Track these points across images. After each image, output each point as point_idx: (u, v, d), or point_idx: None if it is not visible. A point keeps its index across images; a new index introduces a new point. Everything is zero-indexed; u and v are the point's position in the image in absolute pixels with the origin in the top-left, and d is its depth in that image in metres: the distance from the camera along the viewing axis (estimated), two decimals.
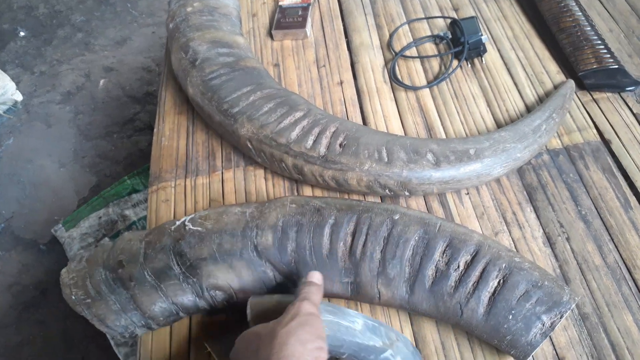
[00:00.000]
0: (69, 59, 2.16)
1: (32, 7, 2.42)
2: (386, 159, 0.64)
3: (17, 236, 1.66)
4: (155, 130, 0.83)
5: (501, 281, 0.53)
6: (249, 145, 0.70)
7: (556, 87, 0.76)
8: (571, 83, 0.75)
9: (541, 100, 0.75)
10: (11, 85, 1.97)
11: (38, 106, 1.99)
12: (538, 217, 0.65)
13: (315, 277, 0.54)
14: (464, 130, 0.74)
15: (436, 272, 0.55)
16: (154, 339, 0.63)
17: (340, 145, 0.66)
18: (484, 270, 0.54)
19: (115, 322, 0.59)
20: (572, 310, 0.56)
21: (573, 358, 0.55)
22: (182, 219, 0.62)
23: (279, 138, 0.67)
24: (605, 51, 0.75)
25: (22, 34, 2.31)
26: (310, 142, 0.66)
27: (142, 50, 2.11)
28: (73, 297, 0.59)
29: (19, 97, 1.99)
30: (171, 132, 0.82)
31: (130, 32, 2.22)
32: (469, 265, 0.55)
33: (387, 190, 0.65)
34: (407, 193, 0.65)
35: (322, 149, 0.66)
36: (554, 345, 0.56)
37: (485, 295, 0.53)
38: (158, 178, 0.77)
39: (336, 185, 0.66)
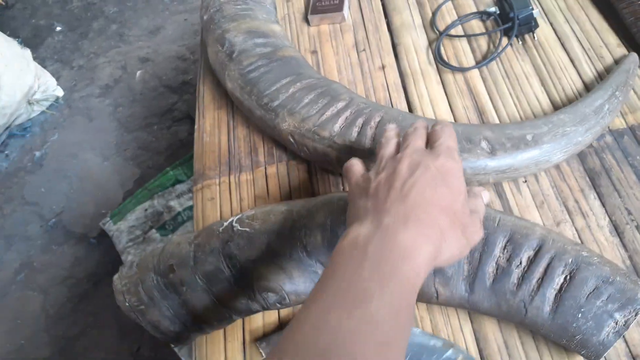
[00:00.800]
0: (105, 51, 2.18)
1: (66, 1, 2.45)
2: None
3: (68, 230, 1.71)
4: (196, 126, 0.82)
5: (568, 277, 0.50)
6: (291, 139, 0.68)
7: (617, 61, 0.71)
8: (634, 57, 0.69)
9: (601, 76, 0.70)
10: (52, 81, 2.01)
11: (79, 100, 2.03)
12: (603, 204, 0.60)
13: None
14: (518, 113, 0.70)
15: (497, 269, 0.52)
16: (208, 341, 0.62)
17: None
18: (548, 265, 0.51)
19: (169, 327, 0.59)
20: None
21: None
22: (230, 220, 0.61)
23: (321, 131, 0.65)
24: None
25: (58, 28, 2.35)
26: (354, 134, 0.64)
27: (175, 39, 2.11)
28: (127, 304, 0.59)
29: (60, 92, 2.03)
30: (212, 128, 0.80)
31: (163, 20, 2.22)
32: (532, 261, 0.51)
33: None
34: None
35: (367, 141, 0.63)
36: (626, 343, 0.52)
37: (551, 292, 0.50)
38: (202, 176, 0.76)
39: None
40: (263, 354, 0.57)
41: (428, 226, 0.40)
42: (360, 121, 0.65)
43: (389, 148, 0.50)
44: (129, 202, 1.56)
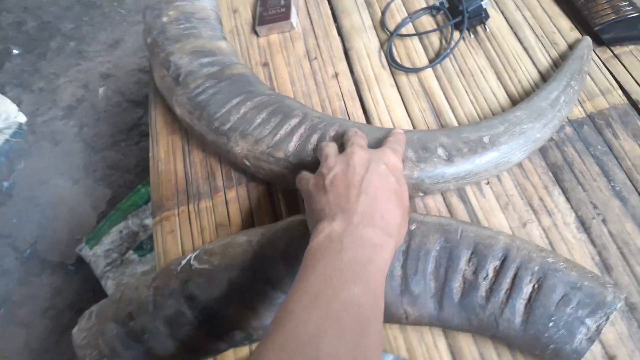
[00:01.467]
0: (65, 70, 2.12)
1: (20, 22, 2.38)
2: None
3: (44, 259, 1.67)
4: (150, 154, 0.79)
5: (536, 286, 0.49)
6: (247, 163, 0.66)
7: (571, 46, 0.69)
8: (587, 41, 0.67)
9: (556, 64, 0.68)
10: (13, 107, 1.95)
11: (42, 125, 1.98)
12: (568, 199, 0.59)
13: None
14: (475, 110, 0.68)
15: (464, 283, 0.51)
16: None
17: None
18: (515, 275, 0.49)
19: None
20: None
21: (624, 356, 0.50)
22: (187, 257, 0.59)
23: (276, 152, 0.62)
24: None
25: (15, 52, 2.28)
26: (309, 152, 0.61)
27: (135, 51, 2.06)
28: (87, 359, 0.56)
29: (22, 118, 1.97)
30: (167, 155, 0.77)
31: (122, 32, 2.17)
32: (498, 272, 0.50)
33: None
34: (421, 194, 0.61)
35: None
36: (602, 344, 0.51)
37: (520, 303, 0.49)
38: (160, 207, 0.73)
39: None
40: None
41: (390, 224, 0.45)
42: (315, 137, 0.62)
43: (332, 148, 0.54)
44: (103, 225, 1.53)
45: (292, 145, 0.62)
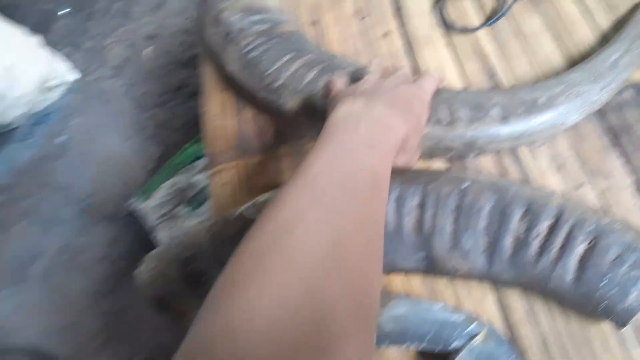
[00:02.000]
0: (112, 31, 2.16)
1: None
2: (447, 119, 0.59)
3: (100, 211, 1.76)
4: (203, 110, 0.82)
5: (589, 246, 0.50)
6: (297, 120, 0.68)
7: (632, 10, 0.67)
8: None
9: (616, 28, 0.67)
10: (65, 65, 2.01)
11: (92, 83, 2.03)
12: (625, 163, 0.59)
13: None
14: (531, 73, 0.67)
15: (516, 241, 0.52)
16: None
17: None
18: (568, 235, 0.50)
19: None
20: None
21: None
22: (245, 206, 0.61)
23: None
24: None
25: (64, 11, 2.33)
26: None
27: (179, 12, 2.08)
28: (151, 297, 0.61)
29: (74, 76, 2.03)
30: (220, 110, 0.79)
31: None
32: (551, 231, 0.51)
33: (453, 152, 0.61)
34: (476, 151, 0.61)
35: None
36: None
37: (572, 261, 0.50)
38: (214, 161, 0.76)
39: None
40: None
41: (407, 115, 0.50)
42: None
43: (373, 74, 0.58)
44: (153, 181, 1.59)
45: None
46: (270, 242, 0.37)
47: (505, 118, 0.58)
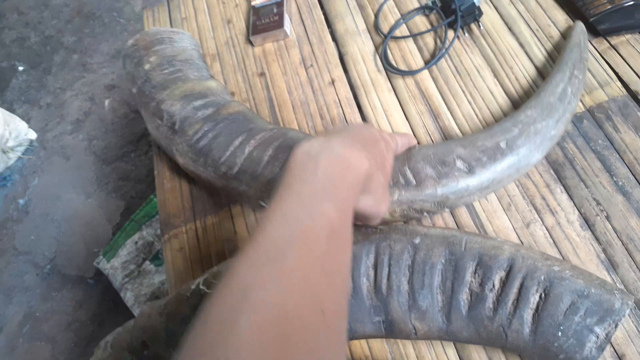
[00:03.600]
0: (71, 84, 2.14)
1: (23, 38, 2.40)
2: (414, 181, 0.57)
3: (64, 274, 1.71)
4: (155, 172, 0.80)
5: (543, 295, 0.48)
6: (263, 204, 0.64)
7: (565, 37, 0.68)
8: (580, 26, 0.66)
9: (552, 58, 0.67)
10: (23, 125, 1.97)
11: (52, 140, 2.00)
12: (570, 197, 0.58)
13: None
14: (474, 110, 0.67)
15: (471, 296, 0.51)
16: None
17: None
18: (521, 286, 0.49)
19: None
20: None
21: (634, 353, 0.50)
22: (196, 282, 0.59)
23: None
24: None
25: (20, 68, 2.30)
26: None
27: None
28: None
29: (33, 135, 2.00)
30: (172, 173, 0.78)
31: (123, 42, 2.18)
32: (504, 283, 0.50)
33: (424, 214, 0.59)
34: (446, 210, 0.59)
35: None
36: (610, 344, 0.51)
37: (528, 313, 0.48)
38: (168, 225, 0.74)
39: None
40: None
41: (370, 153, 0.47)
42: None
43: None
44: (118, 237, 1.55)
45: None
46: (215, 333, 0.35)
47: (471, 169, 0.57)
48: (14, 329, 1.65)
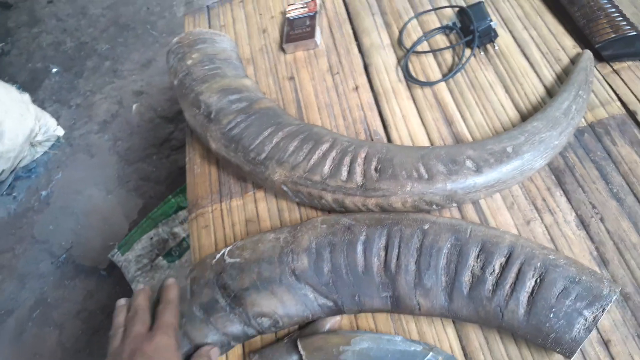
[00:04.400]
0: (101, 88, 2.24)
1: (59, 42, 2.52)
2: (426, 176, 0.63)
3: (78, 264, 1.76)
4: (187, 158, 0.87)
5: (538, 280, 0.53)
6: (285, 188, 0.70)
7: (573, 61, 0.74)
8: (589, 54, 0.73)
9: (560, 79, 0.74)
10: (52, 121, 2.06)
11: (79, 138, 2.09)
12: (569, 200, 0.64)
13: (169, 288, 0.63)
14: (485, 120, 0.73)
15: (472, 278, 0.56)
16: None
17: (375, 170, 0.65)
18: (519, 271, 0.54)
19: None
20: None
21: (619, 340, 0.55)
22: (221, 252, 0.65)
23: (312, 176, 0.67)
24: (621, 18, 0.73)
25: (54, 70, 2.41)
26: (344, 173, 0.66)
27: (165, 70, 2.16)
28: None
29: (60, 132, 2.09)
30: (202, 160, 0.85)
31: (154, 53, 2.28)
32: (504, 268, 0.55)
33: (434, 206, 0.64)
34: (454, 204, 0.65)
35: (359, 178, 0.65)
36: (597, 329, 0.56)
37: (523, 296, 0.53)
38: (195, 205, 0.80)
39: (381, 211, 0.65)
40: None
41: None
42: (347, 160, 0.67)
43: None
44: (134, 233, 1.61)
45: (326, 168, 0.67)
46: None
47: (479, 169, 0.63)
48: (24, 313, 1.70)
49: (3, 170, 1.94)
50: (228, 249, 0.66)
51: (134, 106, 2.10)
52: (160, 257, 1.55)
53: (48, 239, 1.84)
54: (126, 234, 1.66)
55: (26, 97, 2.00)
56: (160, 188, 1.83)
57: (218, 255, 0.65)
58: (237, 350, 0.66)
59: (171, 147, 1.92)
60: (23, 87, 2.28)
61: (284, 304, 0.60)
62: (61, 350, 1.60)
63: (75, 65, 2.39)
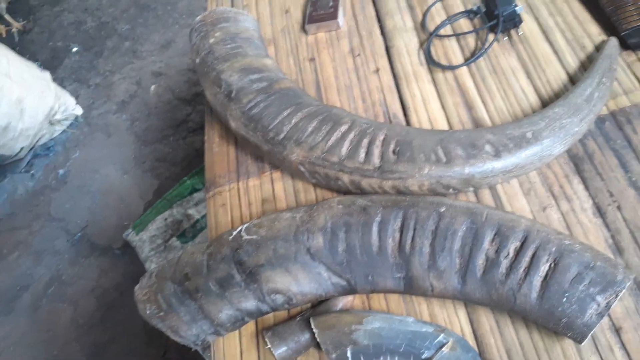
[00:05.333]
0: (120, 68, 2.25)
1: (80, 22, 2.54)
2: (444, 159, 0.63)
3: (93, 243, 1.79)
4: (205, 138, 0.87)
5: (552, 265, 0.53)
6: (302, 169, 0.70)
7: (598, 49, 0.73)
8: (614, 41, 0.72)
9: (584, 66, 0.73)
10: (71, 100, 2.09)
11: (97, 118, 2.11)
12: (586, 187, 0.63)
13: None
14: (506, 106, 0.73)
15: (486, 261, 0.56)
16: (225, 342, 0.67)
17: (393, 152, 0.65)
18: (534, 255, 0.54)
19: (187, 332, 0.63)
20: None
21: (630, 328, 0.54)
22: (238, 229, 0.66)
23: (330, 157, 0.67)
24: None
25: (75, 49, 2.43)
26: (362, 155, 0.66)
27: (186, 52, 2.17)
28: (147, 312, 0.64)
29: (79, 111, 2.11)
30: (220, 139, 0.85)
31: (174, 34, 2.29)
32: (518, 252, 0.55)
33: (450, 190, 0.64)
34: (471, 188, 0.65)
35: (376, 160, 0.65)
36: (609, 316, 0.56)
37: (537, 280, 0.53)
38: (213, 184, 0.81)
39: (397, 194, 0.65)
40: (268, 343, 0.62)
41: None
42: (365, 142, 0.67)
43: None
44: (149, 213, 1.63)
45: (344, 149, 0.67)
46: None
47: (497, 153, 0.62)
48: (39, 289, 1.73)
49: (22, 148, 1.97)
50: (245, 225, 0.66)
51: (152, 87, 2.12)
52: (174, 238, 1.57)
53: (64, 217, 1.87)
54: (141, 214, 1.68)
55: (47, 75, 2.02)
56: (176, 169, 1.85)
57: (235, 232, 0.66)
58: (251, 326, 0.67)
59: (188, 129, 1.94)
60: (44, 65, 2.31)
61: (298, 282, 0.61)
62: (75, 327, 1.64)
63: (95, 45, 2.41)
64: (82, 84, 2.26)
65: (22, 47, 2.47)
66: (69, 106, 2.07)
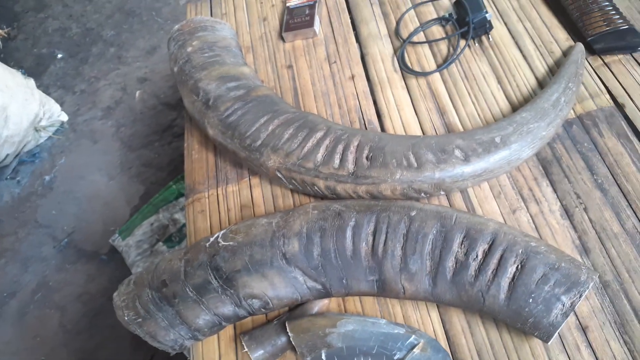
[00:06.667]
0: (105, 74, 2.25)
1: (65, 28, 2.53)
2: (415, 164, 0.64)
3: (79, 249, 1.78)
4: (185, 144, 0.88)
5: (519, 266, 0.55)
6: (279, 175, 0.71)
7: (565, 54, 0.76)
8: (580, 47, 0.74)
9: (552, 71, 0.75)
10: (56, 107, 2.08)
11: (83, 124, 2.11)
12: (554, 190, 0.65)
13: None
14: (477, 111, 0.75)
15: (456, 263, 0.57)
16: (204, 346, 0.68)
17: (367, 158, 0.66)
18: (501, 257, 0.56)
19: (165, 337, 0.64)
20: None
21: (596, 326, 0.56)
22: (215, 235, 0.67)
23: (306, 163, 0.68)
24: (614, 12, 0.74)
25: (59, 55, 2.42)
26: (337, 161, 0.67)
27: None
28: (126, 318, 0.65)
29: (64, 117, 2.11)
30: (200, 146, 0.86)
31: (159, 40, 2.29)
32: (487, 254, 0.56)
33: (422, 194, 0.66)
34: (442, 192, 0.66)
35: (350, 166, 0.66)
36: (576, 315, 0.57)
37: (505, 281, 0.55)
38: (193, 190, 0.82)
39: (371, 198, 0.66)
40: (245, 346, 0.63)
41: None
42: (340, 148, 0.68)
43: None
44: (135, 218, 1.63)
45: (319, 155, 0.68)
46: None
47: (467, 158, 0.64)
48: (26, 296, 1.72)
49: (7, 155, 1.96)
50: (222, 232, 0.67)
51: (137, 93, 2.12)
52: (161, 243, 1.57)
53: (51, 224, 1.87)
54: (127, 220, 1.68)
55: (31, 82, 2.02)
56: (162, 174, 1.85)
57: (212, 239, 0.67)
58: (229, 330, 0.68)
59: (173, 134, 1.94)
60: (28, 72, 2.29)
61: (274, 286, 0.62)
62: (62, 332, 1.63)
63: (80, 51, 2.40)
64: (68, 91, 2.25)
65: (6, 54, 2.46)
66: (54, 113, 2.06)
